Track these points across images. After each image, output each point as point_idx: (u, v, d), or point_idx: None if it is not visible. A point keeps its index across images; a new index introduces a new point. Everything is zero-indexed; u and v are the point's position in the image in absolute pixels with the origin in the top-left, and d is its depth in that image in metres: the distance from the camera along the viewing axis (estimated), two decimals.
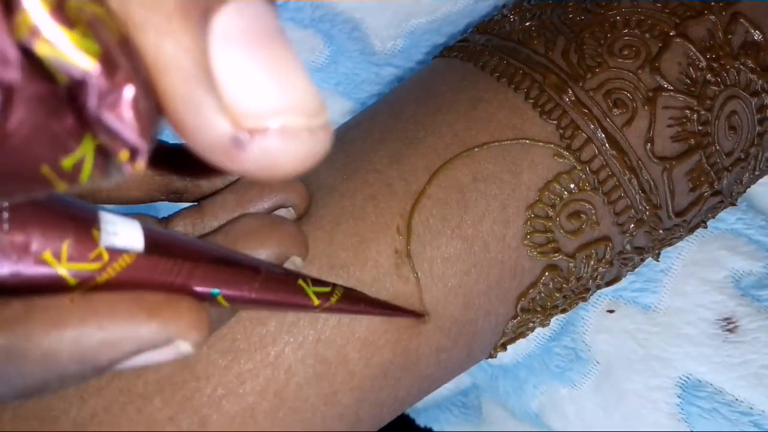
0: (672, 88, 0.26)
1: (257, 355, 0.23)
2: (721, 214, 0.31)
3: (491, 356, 0.28)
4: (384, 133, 0.27)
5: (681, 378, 0.30)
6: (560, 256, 0.26)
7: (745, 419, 0.29)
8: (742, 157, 0.28)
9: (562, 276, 0.26)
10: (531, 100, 0.26)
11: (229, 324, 0.23)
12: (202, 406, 0.23)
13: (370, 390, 0.24)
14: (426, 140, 0.26)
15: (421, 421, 0.37)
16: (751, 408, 0.29)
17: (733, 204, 0.29)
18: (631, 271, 0.29)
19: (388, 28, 0.35)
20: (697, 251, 0.31)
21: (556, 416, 0.33)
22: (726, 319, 0.30)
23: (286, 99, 0.12)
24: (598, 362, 0.32)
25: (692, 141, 0.26)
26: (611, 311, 0.32)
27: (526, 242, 0.25)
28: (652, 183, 0.26)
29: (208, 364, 0.23)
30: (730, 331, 0.30)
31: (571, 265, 0.26)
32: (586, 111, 0.25)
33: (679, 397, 0.30)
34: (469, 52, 0.28)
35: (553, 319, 0.33)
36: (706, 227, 0.29)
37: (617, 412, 0.31)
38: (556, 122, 0.25)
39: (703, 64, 0.26)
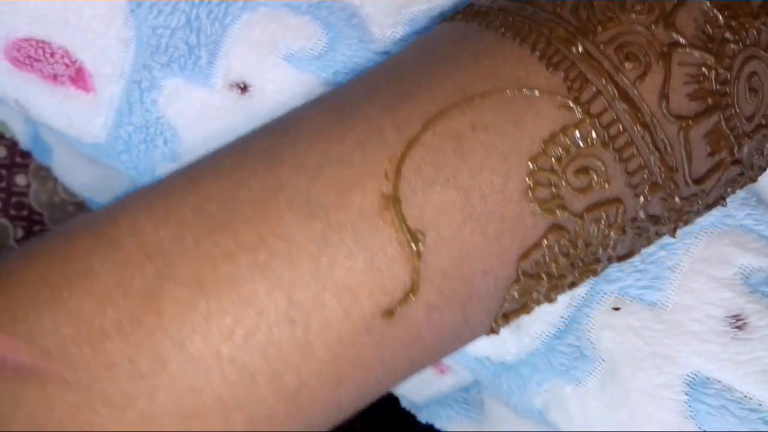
0: (688, 43, 0.25)
1: (226, 293, 0.22)
2: (731, 210, 0.31)
3: (493, 331, 0.27)
4: (380, 83, 0.26)
5: (688, 375, 0.30)
6: (566, 215, 0.25)
7: (754, 416, 0.29)
8: (764, 123, 0.27)
9: (569, 239, 0.25)
10: (537, 53, 0.25)
11: (198, 259, 0.22)
12: (164, 347, 0.22)
13: (351, 345, 0.23)
14: (423, 91, 0.25)
15: (423, 418, 0.37)
16: (760, 405, 0.29)
17: (752, 180, 0.29)
18: (645, 246, 0.29)
19: (387, 15, 0.34)
20: (705, 248, 0.31)
21: (561, 414, 0.32)
22: (735, 316, 0.30)
23: None
24: (603, 360, 0.31)
25: (710, 100, 0.25)
26: (617, 308, 0.32)
27: (528, 196, 0.24)
28: (667, 142, 0.25)
29: (173, 300, 0.22)
30: (739, 328, 0.30)
31: (579, 226, 0.25)
32: (595, 64, 0.25)
33: (686, 394, 0.30)
34: (473, 14, 0.28)
35: (557, 317, 0.32)
36: (725, 204, 0.29)
37: (623, 410, 0.31)
38: (563, 74, 0.25)
39: (721, 21, 0.26)
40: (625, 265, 0.31)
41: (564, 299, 0.32)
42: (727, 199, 0.30)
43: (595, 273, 0.28)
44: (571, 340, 0.32)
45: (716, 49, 0.25)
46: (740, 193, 0.31)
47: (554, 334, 0.32)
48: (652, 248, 0.31)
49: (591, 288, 0.32)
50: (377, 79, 0.27)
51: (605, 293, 0.32)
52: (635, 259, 0.31)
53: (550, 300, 0.28)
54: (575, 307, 0.32)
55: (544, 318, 0.32)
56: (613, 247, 0.27)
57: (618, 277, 0.31)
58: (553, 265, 0.26)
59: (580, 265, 0.27)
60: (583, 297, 0.32)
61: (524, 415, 0.34)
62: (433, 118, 0.24)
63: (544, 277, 0.26)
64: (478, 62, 0.25)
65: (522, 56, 0.25)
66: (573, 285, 0.28)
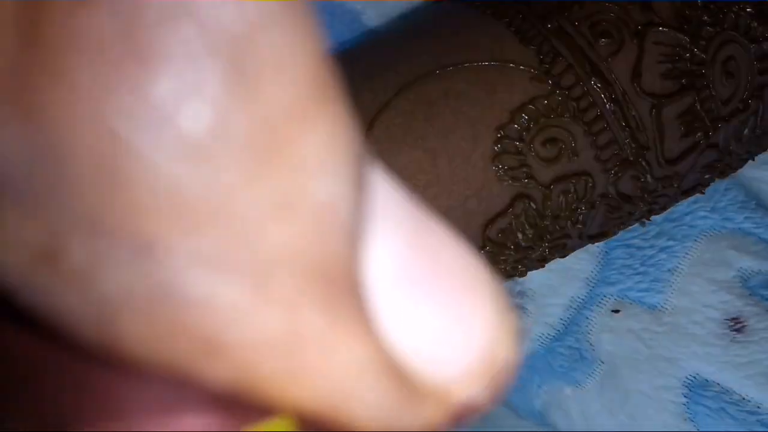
0: (663, 23, 0.26)
1: None
2: (730, 213, 0.31)
3: None
4: (362, 54, 0.27)
5: (688, 378, 0.30)
6: (533, 184, 0.25)
7: (752, 418, 0.29)
8: (741, 107, 0.27)
9: (536, 209, 0.25)
10: (513, 28, 0.26)
11: None
12: None
13: None
14: (401, 61, 0.26)
15: None
16: (758, 407, 0.29)
17: (732, 169, 0.29)
18: (619, 228, 0.29)
19: (388, 20, 0.34)
20: (704, 251, 0.31)
21: (561, 415, 0.33)
22: (734, 318, 0.30)
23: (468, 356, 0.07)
24: (602, 362, 0.31)
25: (684, 81, 0.26)
26: (616, 311, 0.32)
27: (495, 164, 0.25)
28: (639, 119, 0.25)
29: None
30: (738, 331, 0.30)
31: (546, 197, 0.25)
32: (568, 39, 0.25)
33: (685, 396, 0.30)
34: None
35: (556, 320, 0.32)
36: (703, 193, 0.29)
37: (622, 411, 0.31)
38: (536, 48, 0.25)
39: (699, 3, 0.26)
40: (624, 268, 0.32)
41: (563, 301, 0.32)
42: (726, 203, 0.30)
43: (564, 248, 0.28)
44: (570, 342, 0.32)
45: (693, 30, 0.26)
46: (739, 197, 0.32)
47: (554, 336, 0.32)
48: (651, 251, 0.31)
49: (591, 290, 0.32)
50: (359, 50, 0.28)
51: (605, 295, 0.32)
52: (635, 262, 0.31)
53: (520, 275, 0.28)
54: (575, 309, 0.32)
55: (543, 320, 0.32)
56: (583, 222, 0.27)
57: (617, 279, 0.32)
58: (520, 234, 0.26)
59: (549, 239, 0.27)
60: (583, 299, 0.32)
61: (524, 415, 0.34)
62: (407, 85, 0.25)
63: (510, 246, 0.26)
64: (456, 35, 0.26)
65: (499, 31, 0.26)
66: (543, 260, 0.28)
